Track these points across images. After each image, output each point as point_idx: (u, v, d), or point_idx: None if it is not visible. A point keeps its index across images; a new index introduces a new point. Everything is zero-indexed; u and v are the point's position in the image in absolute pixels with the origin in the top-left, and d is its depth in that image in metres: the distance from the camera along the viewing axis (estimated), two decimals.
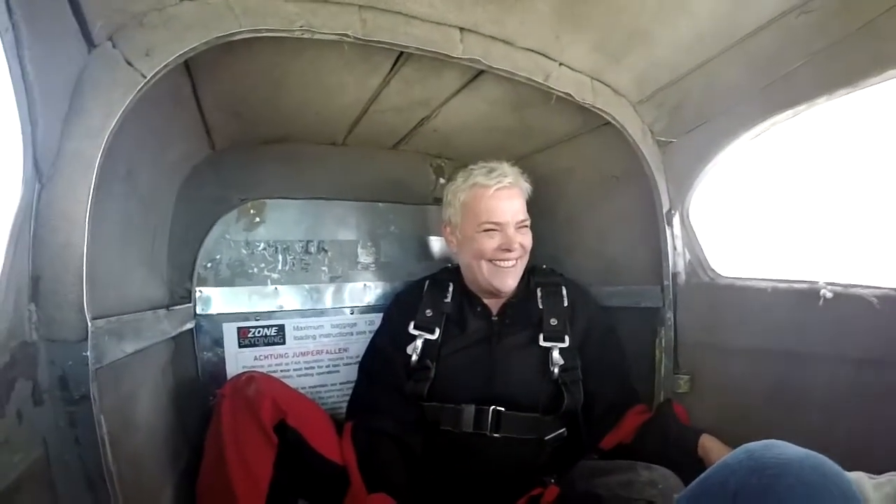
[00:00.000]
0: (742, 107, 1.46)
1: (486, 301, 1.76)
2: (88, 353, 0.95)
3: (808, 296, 1.34)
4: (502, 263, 1.67)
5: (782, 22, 1.24)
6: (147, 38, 1.00)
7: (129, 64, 0.98)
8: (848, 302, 1.26)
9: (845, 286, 1.28)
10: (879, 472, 0.95)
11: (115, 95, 0.97)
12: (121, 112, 0.97)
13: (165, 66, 1.01)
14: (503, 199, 1.67)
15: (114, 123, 0.96)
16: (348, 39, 1.16)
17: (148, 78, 0.99)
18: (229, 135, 1.77)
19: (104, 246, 1.11)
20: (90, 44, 0.96)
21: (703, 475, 0.91)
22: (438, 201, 1.97)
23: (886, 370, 1.20)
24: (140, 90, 0.99)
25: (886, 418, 1.19)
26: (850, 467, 0.90)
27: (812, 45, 1.24)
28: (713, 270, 1.65)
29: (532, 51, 1.40)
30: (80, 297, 0.94)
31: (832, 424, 1.29)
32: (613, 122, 1.60)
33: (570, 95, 1.49)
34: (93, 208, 0.95)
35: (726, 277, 1.62)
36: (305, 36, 1.13)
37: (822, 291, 1.30)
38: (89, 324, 0.95)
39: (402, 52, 1.32)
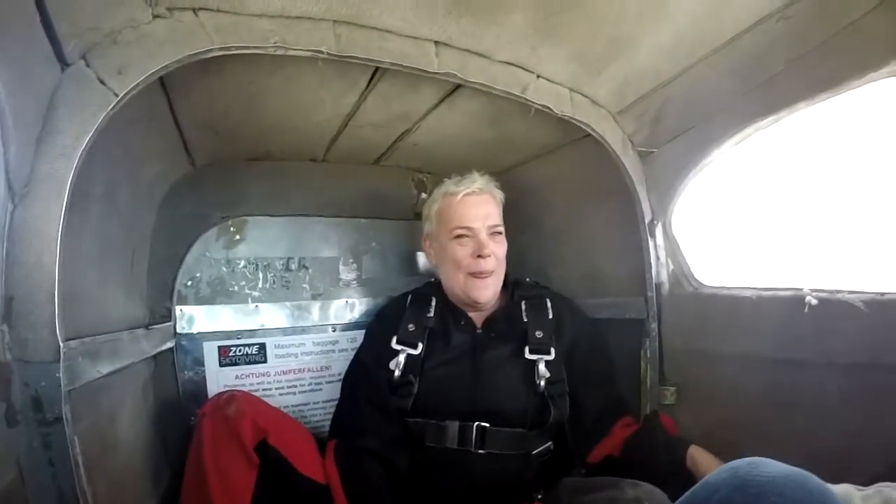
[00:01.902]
0: (723, 115, 1.46)
1: (470, 314, 1.75)
2: (61, 375, 0.94)
3: (793, 303, 1.33)
4: (478, 275, 1.66)
5: (762, 28, 1.24)
6: (120, 57, 0.99)
7: (102, 83, 0.98)
8: (833, 308, 1.26)
9: (830, 292, 1.28)
10: (869, 478, 0.94)
11: (88, 115, 0.96)
12: (93, 131, 0.96)
13: (137, 84, 1.01)
14: (472, 204, 1.68)
15: (86, 143, 0.95)
16: (322, 55, 1.15)
17: (120, 96, 0.99)
18: (208, 152, 1.76)
19: (80, 265, 1.10)
20: (63, 63, 0.95)
21: (686, 494, 0.90)
22: (420, 216, 1.96)
23: (875, 374, 1.19)
24: (113, 109, 0.98)
25: (876, 423, 1.19)
26: (840, 473, 0.89)
27: (792, 51, 1.25)
28: (697, 280, 1.64)
29: (509, 63, 1.39)
30: (52, 318, 0.93)
31: (821, 431, 1.28)
32: (593, 133, 1.60)
33: (549, 108, 1.49)
34: (66, 228, 0.94)
35: (710, 287, 1.61)
36: (279, 52, 1.12)
37: (808, 298, 1.30)
38: (61, 344, 0.94)
39: (377, 68, 1.31)
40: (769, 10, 1.20)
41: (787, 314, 1.35)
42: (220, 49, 1.07)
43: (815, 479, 0.79)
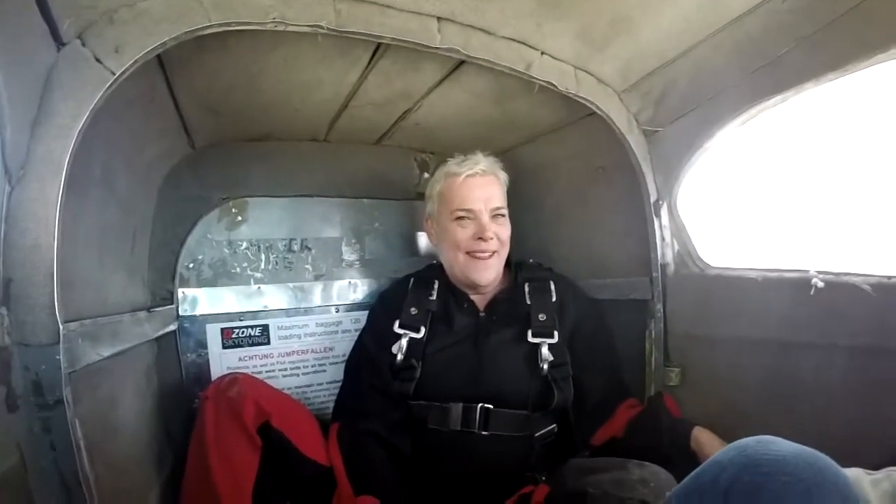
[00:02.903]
0: (729, 94, 1.43)
1: (472, 297, 1.74)
2: (61, 357, 0.93)
3: (799, 285, 1.31)
4: (479, 255, 1.65)
5: (769, 6, 1.22)
6: (116, 35, 0.97)
7: (99, 61, 0.96)
8: (840, 290, 1.24)
9: (837, 275, 1.26)
10: (875, 462, 0.93)
11: (84, 94, 0.94)
12: (89, 111, 0.94)
13: (135, 62, 0.99)
14: (475, 186, 1.67)
15: (82, 123, 0.94)
16: (322, 31, 1.13)
17: (117, 75, 0.97)
18: (208, 133, 1.74)
19: (80, 247, 1.09)
20: (59, 43, 0.94)
21: (693, 473, 0.88)
22: (423, 196, 1.95)
23: (881, 358, 1.18)
24: (109, 88, 0.97)
25: (882, 406, 1.18)
26: (846, 457, 0.88)
27: (799, 31, 1.22)
28: (702, 261, 1.62)
29: (513, 40, 1.37)
30: (51, 300, 0.92)
31: (826, 414, 1.27)
32: (598, 111, 1.57)
33: (553, 84, 1.46)
34: (64, 210, 0.93)
35: (716, 268, 1.59)
36: (279, 28, 1.10)
37: (814, 280, 1.28)
38: (61, 327, 0.93)
39: (379, 44, 1.29)
40: None
41: (792, 296, 1.34)
42: (219, 25, 1.05)
43: (825, 459, 0.77)
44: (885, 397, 1.17)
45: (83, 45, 0.95)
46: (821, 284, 1.27)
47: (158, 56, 1.08)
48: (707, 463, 0.86)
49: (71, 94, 0.94)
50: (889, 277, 1.18)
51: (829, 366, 1.28)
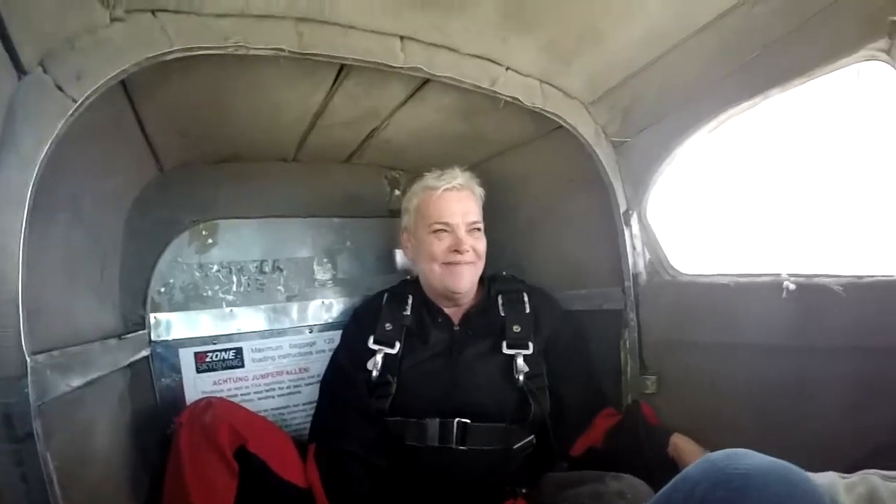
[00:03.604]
0: (697, 102, 1.45)
1: (447, 311, 1.74)
2: (29, 389, 0.92)
3: (771, 289, 1.33)
4: (454, 265, 1.66)
5: (737, 13, 1.23)
6: (78, 62, 0.97)
7: (60, 89, 0.95)
8: (811, 292, 1.25)
9: (808, 277, 1.28)
10: (853, 461, 0.94)
11: (46, 123, 0.94)
12: (51, 139, 0.94)
13: (96, 89, 0.98)
14: (452, 200, 1.68)
15: (45, 152, 0.93)
16: (284, 54, 1.14)
17: (79, 102, 0.96)
18: (176, 156, 1.73)
19: (46, 277, 1.07)
20: (20, 71, 0.92)
21: (664, 489, 0.88)
22: (394, 214, 1.94)
23: (855, 358, 1.19)
24: (72, 115, 0.96)
25: (857, 408, 1.19)
26: (822, 460, 0.89)
27: (767, 36, 1.23)
28: (674, 269, 1.63)
29: (477, 56, 1.38)
30: (17, 332, 0.91)
31: (802, 417, 1.28)
32: (565, 125, 1.59)
33: (519, 100, 1.47)
34: (29, 239, 0.92)
35: (688, 275, 1.60)
36: (241, 52, 1.10)
37: (785, 283, 1.29)
38: (28, 359, 0.92)
39: (343, 65, 1.30)
40: None
41: (764, 300, 1.35)
42: (180, 51, 1.05)
43: (797, 471, 0.77)
44: (860, 397, 1.18)
45: (45, 72, 0.94)
46: (792, 287, 1.28)
47: (122, 82, 1.07)
48: (679, 477, 0.86)
49: (33, 122, 0.93)
50: (860, 277, 1.19)
51: (804, 367, 1.29)
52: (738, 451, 0.81)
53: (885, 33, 1.05)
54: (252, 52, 1.11)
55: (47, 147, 0.93)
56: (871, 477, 0.86)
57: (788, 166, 1.65)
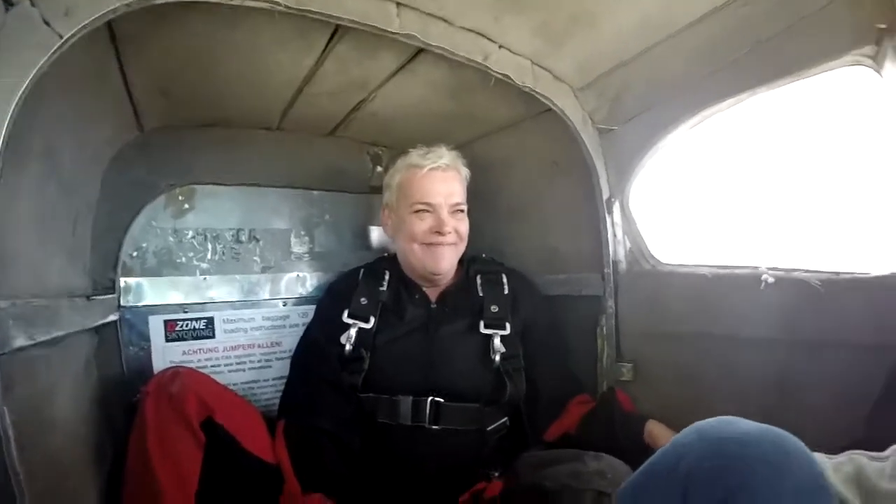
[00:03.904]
0: (684, 95, 1.46)
1: (424, 289, 1.73)
2: None
3: (749, 281, 1.34)
4: (435, 245, 1.64)
5: (728, 10, 1.24)
6: None
7: (47, 23, 0.92)
8: (789, 286, 1.27)
9: (787, 271, 1.30)
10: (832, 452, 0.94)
11: (28, 56, 0.90)
12: (32, 75, 0.90)
13: (84, 27, 0.95)
14: (436, 180, 1.65)
15: (24, 86, 0.89)
16: (280, 8, 1.11)
17: (65, 38, 0.93)
18: (158, 116, 1.68)
19: (16, 224, 1.04)
20: (7, 2, 0.89)
21: (648, 461, 0.83)
22: (375, 190, 1.92)
23: (833, 353, 1.21)
24: (56, 52, 0.93)
25: (835, 401, 1.20)
26: None
27: (757, 35, 1.25)
28: (654, 258, 1.65)
29: (471, 31, 1.37)
30: None
31: (778, 409, 1.29)
32: (554, 108, 1.59)
33: (510, 78, 1.47)
34: (2, 183, 0.89)
35: (668, 265, 1.62)
36: (235, 2, 1.07)
37: (764, 276, 1.31)
38: None
39: (337, 28, 1.27)
40: None
41: (743, 292, 1.37)
42: None
43: (790, 438, 0.73)
44: (837, 391, 1.20)
45: (32, 5, 0.91)
46: (771, 280, 1.30)
47: (110, 27, 1.05)
48: (663, 448, 0.81)
49: (15, 55, 0.90)
50: (837, 273, 1.21)
51: (781, 360, 1.31)
52: (729, 418, 0.78)
53: (872, 40, 1.07)
54: (247, 3, 1.08)
55: (27, 82, 0.90)
56: (857, 457, 0.86)
57: (774, 162, 1.66)
